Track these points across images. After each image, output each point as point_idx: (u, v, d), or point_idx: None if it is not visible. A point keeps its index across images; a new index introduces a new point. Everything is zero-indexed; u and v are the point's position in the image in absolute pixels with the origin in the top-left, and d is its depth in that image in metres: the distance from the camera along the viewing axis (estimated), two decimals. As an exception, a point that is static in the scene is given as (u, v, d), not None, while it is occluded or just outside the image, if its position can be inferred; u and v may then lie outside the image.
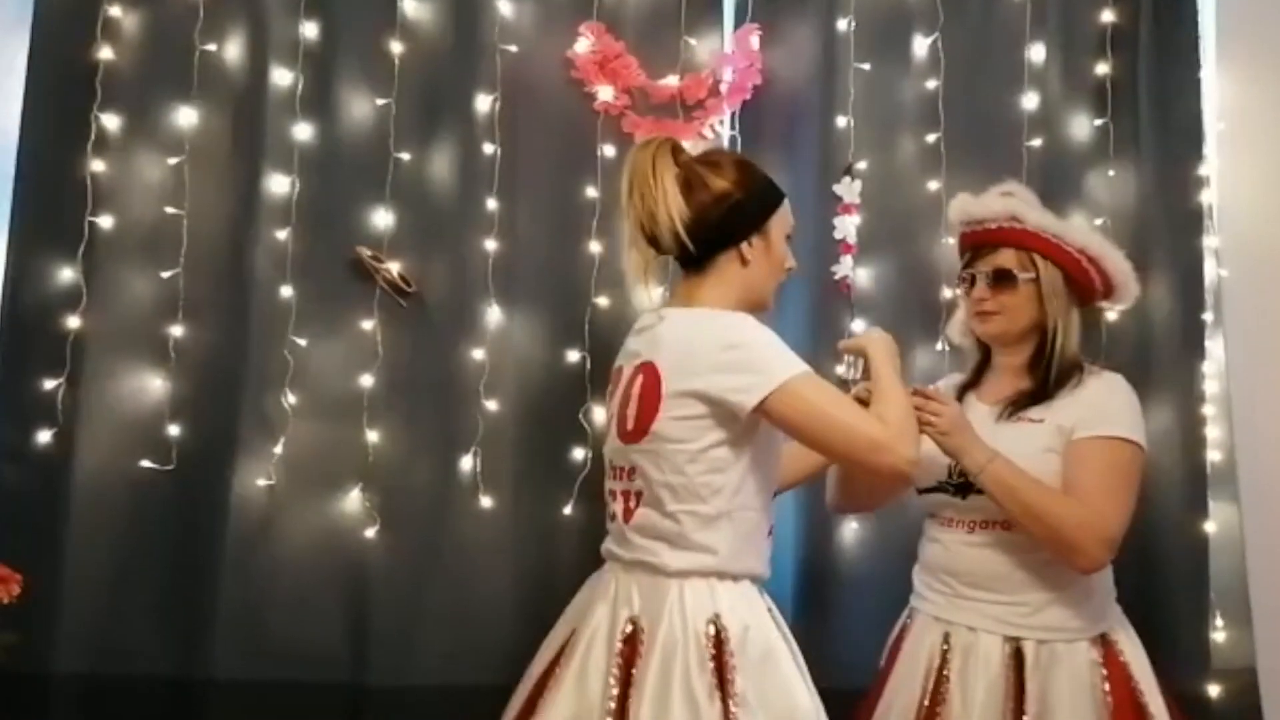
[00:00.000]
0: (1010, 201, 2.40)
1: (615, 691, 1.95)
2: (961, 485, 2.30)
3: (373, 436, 2.89)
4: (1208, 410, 2.98)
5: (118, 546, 2.83)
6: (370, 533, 2.87)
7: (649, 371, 2.06)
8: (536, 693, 2.08)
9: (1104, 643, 2.28)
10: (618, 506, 2.12)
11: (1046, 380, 2.33)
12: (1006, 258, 2.36)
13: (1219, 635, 2.94)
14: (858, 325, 2.99)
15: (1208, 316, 3.03)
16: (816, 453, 2.18)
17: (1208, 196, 3.07)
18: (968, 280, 2.41)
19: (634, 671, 1.96)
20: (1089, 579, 2.26)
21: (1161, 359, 3.00)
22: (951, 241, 3.01)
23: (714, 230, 2.09)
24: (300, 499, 2.87)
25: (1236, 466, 2.99)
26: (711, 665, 1.93)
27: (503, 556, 2.89)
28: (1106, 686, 2.23)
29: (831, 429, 2.01)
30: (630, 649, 1.98)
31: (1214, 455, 2.99)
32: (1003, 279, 2.35)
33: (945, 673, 2.28)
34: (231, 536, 2.81)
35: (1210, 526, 2.96)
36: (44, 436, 2.81)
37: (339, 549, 2.86)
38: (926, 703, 2.27)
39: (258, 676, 2.78)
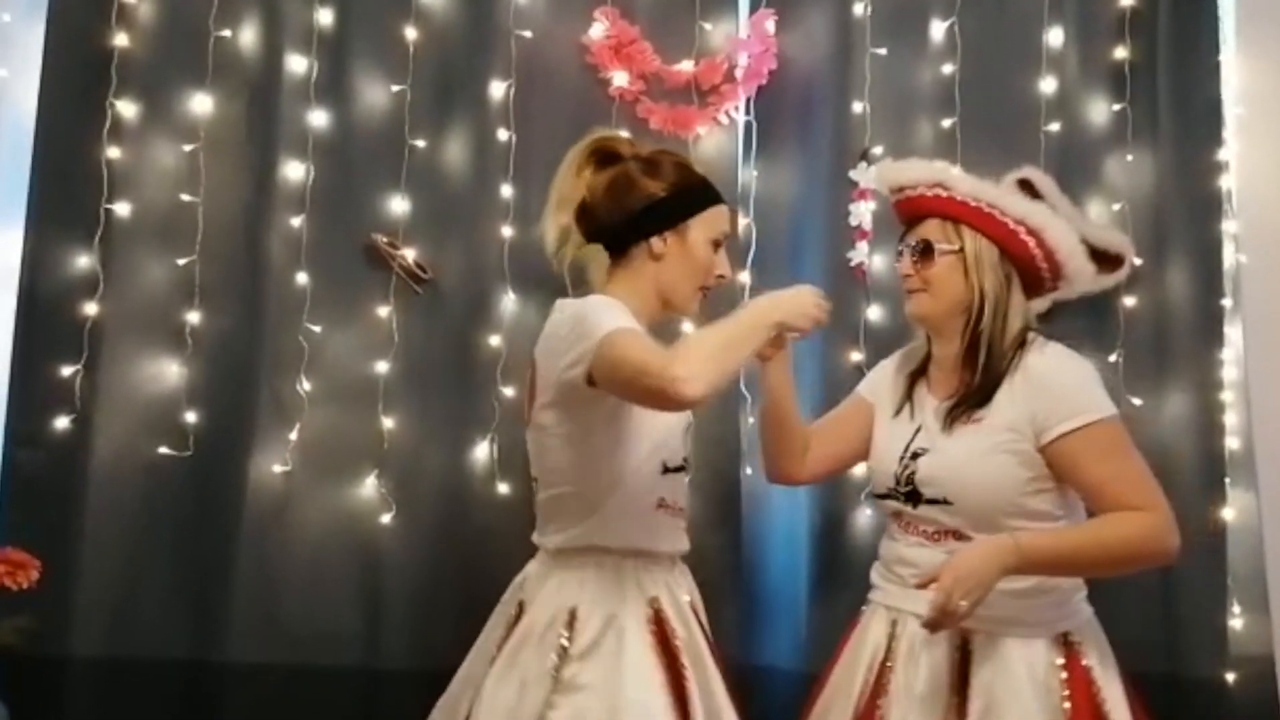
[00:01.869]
0: (936, 168, 2.28)
1: (487, 668, 2.07)
2: (911, 494, 2.18)
3: (388, 423, 2.89)
4: (1226, 397, 2.97)
5: (134, 531, 2.84)
6: (386, 518, 2.88)
7: (532, 363, 2.15)
8: None
9: (1066, 643, 2.12)
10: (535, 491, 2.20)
11: (983, 372, 2.15)
12: (930, 228, 2.21)
13: (1236, 623, 2.92)
14: (873, 312, 2.98)
15: (1226, 302, 3.01)
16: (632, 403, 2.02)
17: (1226, 182, 3.05)
18: (898, 255, 2.28)
19: (500, 647, 2.08)
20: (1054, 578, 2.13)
21: (1179, 345, 2.98)
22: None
23: (627, 222, 2.13)
24: (316, 485, 2.88)
25: (1254, 453, 2.98)
26: (554, 652, 1.99)
27: (519, 542, 2.86)
28: (1066, 691, 2.07)
29: (622, 366, 1.89)
30: (509, 630, 2.10)
31: (1232, 442, 2.97)
32: (924, 251, 2.20)
33: (889, 662, 2.16)
34: (247, 522, 2.82)
35: (1228, 513, 2.94)
36: (62, 422, 2.82)
37: (354, 534, 2.87)
38: (868, 693, 2.17)
39: (273, 660, 2.79)
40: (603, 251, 2.19)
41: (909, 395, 2.29)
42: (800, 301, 2.07)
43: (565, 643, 2.00)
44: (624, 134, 2.26)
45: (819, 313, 2.09)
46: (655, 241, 2.13)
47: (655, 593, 2.09)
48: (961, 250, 2.18)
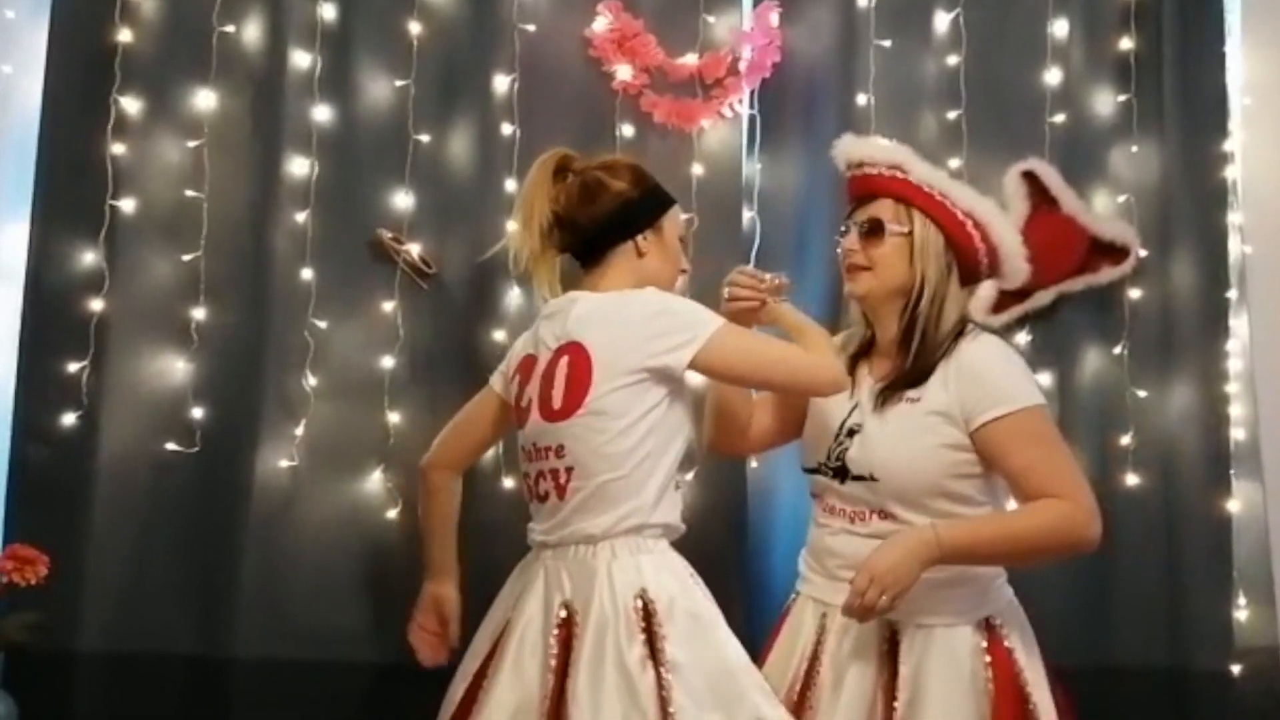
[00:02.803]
0: (898, 149, 2.28)
1: (553, 675, 2.05)
2: (839, 469, 2.21)
3: (394, 418, 2.90)
4: (1231, 388, 2.97)
5: (141, 527, 2.84)
6: (392, 514, 2.88)
7: (575, 351, 2.17)
8: (475, 686, 2.18)
9: (988, 628, 2.15)
10: (547, 485, 2.20)
11: (916, 356, 2.18)
12: (882, 208, 2.22)
13: (1242, 614, 2.93)
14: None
15: (1232, 294, 3.01)
16: (765, 390, 2.37)
17: (1232, 172, 3.05)
18: (844, 231, 2.29)
19: (570, 654, 2.06)
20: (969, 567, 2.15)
21: (1185, 337, 2.98)
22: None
23: (610, 225, 2.26)
24: (322, 480, 2.88)
25: (1260, 445, 2.98)
26: (642, 637, 2.03)
27: (524, 537, 2.89)
28: (989, 674, 2.11)
29: (769, 363, 2.19)
30: (566, 632, 2.09)
31: (1238, 433, 2.98)
32: (873, 230, 2.21)
33: (819, 654, 2.20)
34: (254, 517, 2.82)
35: (1234, 505, 2.94)
36: (68, 419, 2.83)
37: (360, 529, 2.88)
38: (799, 687, 2.19)
39: (280, 655, 2.80)
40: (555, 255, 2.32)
41: (850, 375, 2.28)
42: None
43: (644, 624, 2.04)
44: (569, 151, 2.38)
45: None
46: (640, 240, 2.27)
47: (690, 569, 2.20)
48: (910, 234, 2.20)
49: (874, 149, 2.29)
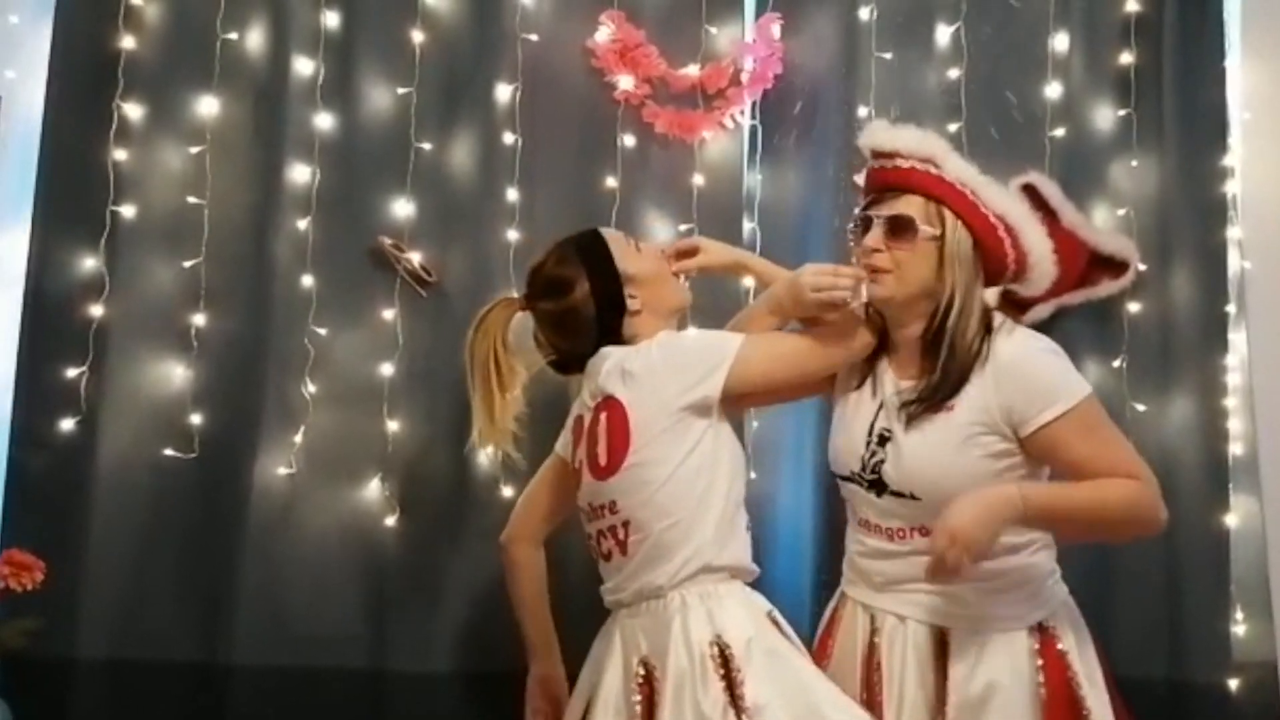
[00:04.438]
0: (933, 140, 2.12)
1: None
2: (875, 482, 2.11)
3: (393, 426, 2.90)
4: (1230, 403, 2.96)
5: (140, 534, 2.84)
6: (390, 521, 2.88)
7: (612, 407, 2.17)
8: None
9: (1041, 630, 2.11)
10: (609, 544, 2.18)
11: (945, 368, 2.06)
12: (911, 204, 2.06)
13: (1239, 628, 2.92)
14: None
15: (1231, 308, 3.01)
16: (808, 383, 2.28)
17: (1231, 187, 3.04)
18: (861, 225, 2.12)
19: (654, 710, 2.04)
20: (1024, 568, 2.12)
21: (1184, 351, 2.98)
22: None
23: (599, 329, 2.25)
24: (321, 487, 2.88)
25: (1258, 459, 2.98)
26: (721, 684, 1.99)
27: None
28: (1041, 678, 2.06)
29: (802, 356, 2.18)
30: (649, 689, 2.06)
31: (1236, 448, 2.97)
32: (902, 229, 2.05)
33: (876, 661, 2.13)
34: (252, 524, 2.82)
35: (1231, 519, 2.94)
36: (67, 424, 2.83)
37: (359, 537, 2.88)
38: (865, 695, 2.13)
39: (278, 662, 2.79)
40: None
41: (871, 368, 2.20)
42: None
43: (722, 671, 2.00)
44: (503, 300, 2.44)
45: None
46: (630, 304, 2.25)
47: (768, 607, 2.16)
48: (942, 237, 2.06)
49: (908, 139, 2.11)
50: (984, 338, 2.07)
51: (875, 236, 2.07)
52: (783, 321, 2.25)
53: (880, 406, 2.16)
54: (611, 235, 2.33)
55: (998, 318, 2.13)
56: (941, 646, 2.09)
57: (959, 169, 2.09)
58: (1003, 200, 2.11)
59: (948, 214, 2.06)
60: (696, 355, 2.14)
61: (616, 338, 2.25)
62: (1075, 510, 2.00)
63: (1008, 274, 2.15)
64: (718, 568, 2.10)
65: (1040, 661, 2.08)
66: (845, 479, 2.20)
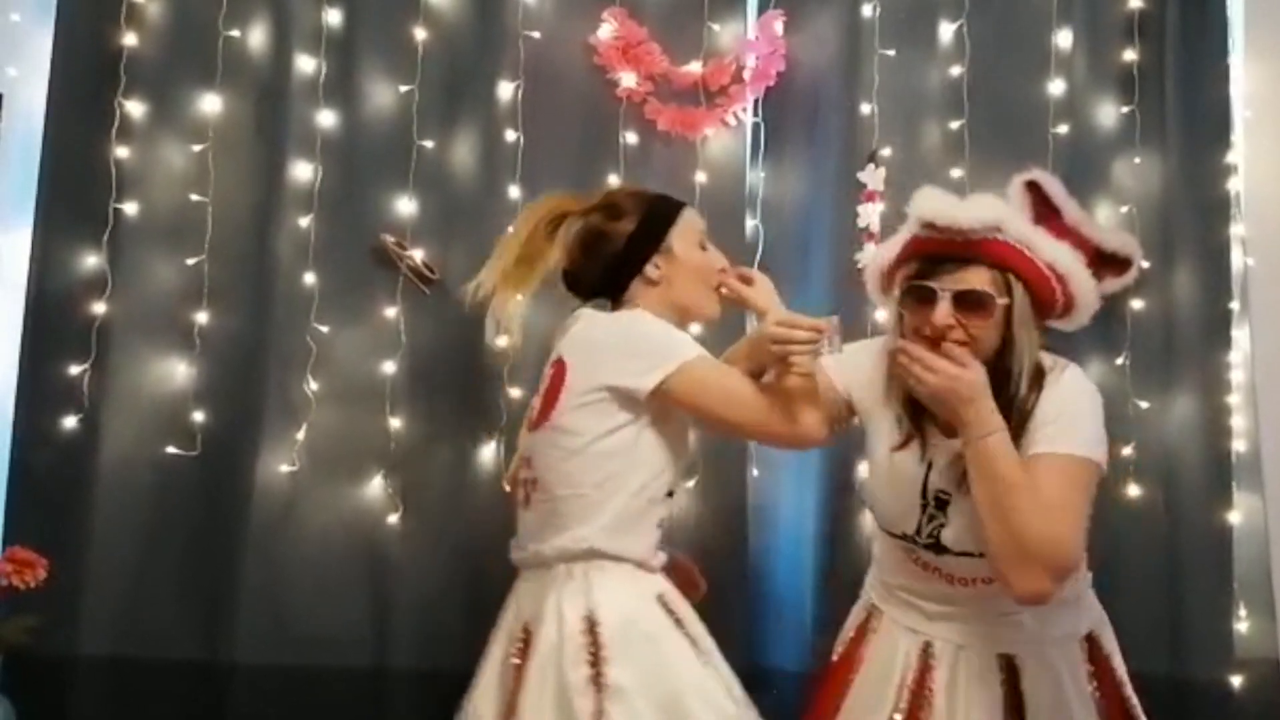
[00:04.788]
0: (997, 206, 2.01)
1: (509, 694, 2.06)
2: (934, 544, 2.04)
3: (395, 423, 2.90)
4: (1233, 400, 2.97)
5: (142, 531, 2.84)
6: (392, 518, 2.88)
7: (558, 366, 2.15)
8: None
9: (1089, 639, 2.14)
10: (522, 495, 2.20)
11: (1010, 429, 1.95)
12: (980, 276, 1.96)
13: (1242, 625, 2.93)
14: (881, 314, 2.97)
15: (1234, 306, 3.02)
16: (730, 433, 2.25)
17: (1234, 184, 3.05)
18: (915, 294, 1.99)
19: (522, 674, 2.05)
20: (1079, 582, 2.09)
21: (1187, 348, 2.99)
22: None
23: (613, 267, 2.19)
24: (323, 485, 2.88)
25: (1261, 457, 2.98)
26: (587, 661, 1.98)
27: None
28: (1093, 684, 2.09)
29: (738, 404, 2.08)
30: (523, 652, 2.08)
31: (1239, 445, 2.97)
32: (975, 304, 1.95)
33: (928, 686, 2.08)
34: (255, 521, 2.82)
35: (1234, 516, 2.94)
36: (70, 422, 2.83)
37: (361, 534, 2.88)
38: (899, 717, 2.08)
39: (280, 660, 2.80)
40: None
41: (915, 426, 2.09)
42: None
43: (590, 650, 1.99)
44: (566, 197, 2.29)
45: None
46: (649, 269, 2.18)
47: (660, 590, 2.11)
48: (1010, 305, 1.97)
49: (980, 213, 1.97)
50: (1038, 390, 2.01)
51: (944, 312, 1.95)
52: (755, 366, 2.16)
53: (930, 468, 2.07)
54: (689, 215, 2.25)
55: (1047, 360, 2.06)
56: (1010, 673, 2.07)
57: (1019, 229, 2.01)
58: (1050, 248, 2.04)
59: (1013, 278, 1.98)
60: (646, 347, 2.08)
61: (619, 291, 2.20)
62: (1004, 482, 1.90)
63: (1054, 315, 2.10)
64: (606, 554, 2.06)
65: (1091, 668, 2.11)
66: (897, 537, 2.12)
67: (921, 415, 2.07)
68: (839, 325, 2.02)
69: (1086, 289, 2.07)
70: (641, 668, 1.99)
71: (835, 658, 2.27)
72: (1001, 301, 1.96)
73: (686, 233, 2.23)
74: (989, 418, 1.92)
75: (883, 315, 2.94)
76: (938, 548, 2.05)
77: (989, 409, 1.92)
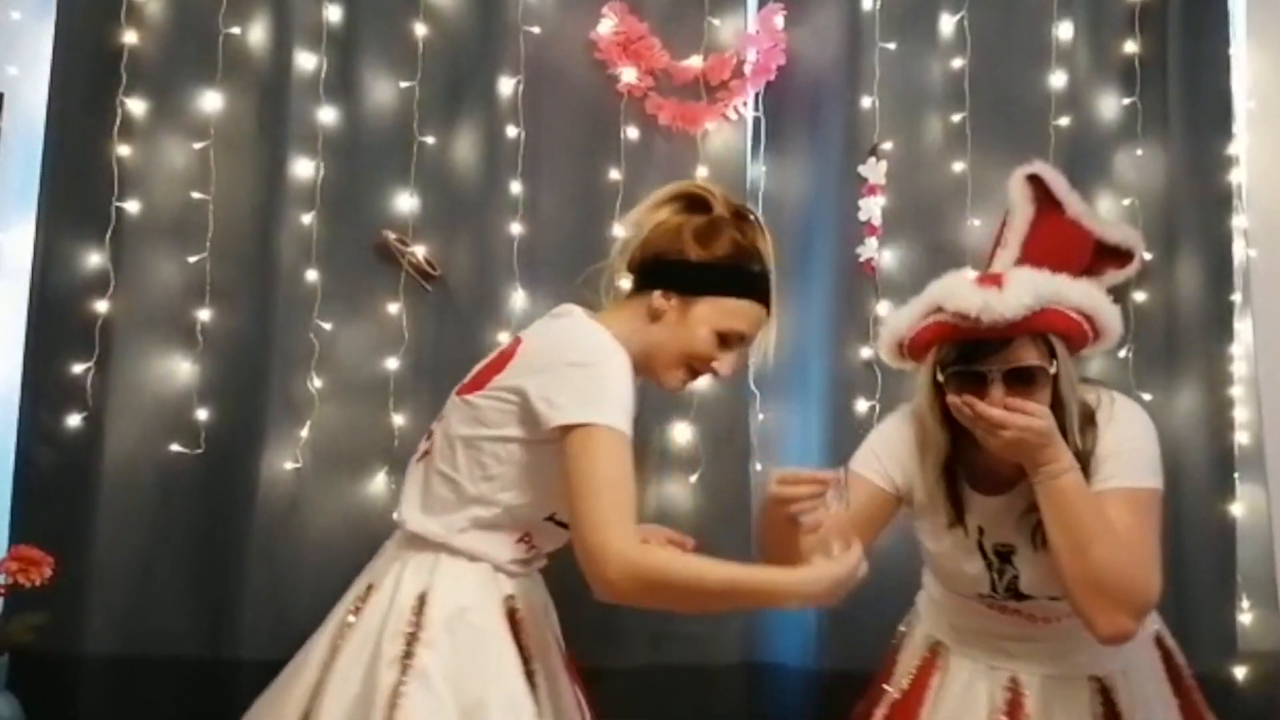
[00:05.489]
0: (1035, 283, 1.96)
1: (334, 650, 1.99)
2: (1014, 594, 2.02)
3: (399, 420, 2.90)
4: (1235, 392, 2.97)
5: (147, 529, 2.84)
6: (396, 515, 2.87)
7: (514, 344, 2.06)
8: None
9: (1157, 641, 2.19)
10: (421, 448, 2.13)
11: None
12: (1026, 350, 1.94)
13: (1245, 617, 2.93)
14: (882, 307, 2.98)
15: (1236, 298, 3.02)
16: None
17: (1237, 176, 3.05)
18: (959, 380, 1.95)
19: (348, 634, 1.99)
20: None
21: (1189, 340, 2.99)
22: (978, 223, 3.02)
23: (651, 264, 2.07)
24: (327, 482, 2.88)
25: (1264, 449, 2.98)
26: (405, 636, 1.92)
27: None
28: (1170, 687, 2.14)
29: (588, 489, 1.84)
30: (358, 612, 2.01)
31: (1242, 437, 2.98)
32: (1027, 380, 1.93)
33: (1024, 715, 2.05)
34: (259, 518, 2.82)
35: (1237, 509, 2.95)
36: (74, 420, 2.83)
37: (365, 531, 2.86)
38: None
39: (284, 657, 2.74)
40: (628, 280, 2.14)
41: (956, 504, 2.07)
42: (846, 583, 1.85)
43: (412, 629, 1.93)
44: (716, 190, 2.14)
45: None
46: (658, 296, 2.04)
47: (511, 592, 2.03)
48: (1057, 369, 1.95)
49: (1016, 299, 1.92)
50: (1093, 428, 2.00)
51: (998, 394, 1.92)
52: (774, 533, 2.01)
53: (981, 531, 2.06)
54: (747, 308, 2.03)
55: (1090, 395, 2.03)
56: (1105, 694, 2.06)
57: (1050, 289, 1.97)
58: (1077, 292, 2.01)
59: (1054, 340, 1.97)
60: (584, 388, 1.90)
61: (639, 287, 2.07)
62: (1080, 521, 1.89)
63: (1085, 350, 2.09)
64: (460, 551, 2.00)
65: (1162, 666, 2.17)
66: (974, 598, 2.10)
67: (956, 482, 2.05)
68: (845, 477, 1.93)
69: (1111, 316, 2.05)
70: (456, 659, 1.91)
71: (895, 690, 2.21)
72: (1051, 370, 1.94)
73: (721, 312, 2.02)
74: (1063, 457, 1.90)
75: (884, 311, 2.97)
76: (1018, 596, 2.04)
77: (1061, 450, 1.90)
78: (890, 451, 2.13)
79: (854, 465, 2.13)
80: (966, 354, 1.95)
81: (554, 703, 2.02)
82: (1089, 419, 2.00)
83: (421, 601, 1.96)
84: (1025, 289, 1.93)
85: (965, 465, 2.06)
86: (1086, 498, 1.90)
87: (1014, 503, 2.01)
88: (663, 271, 2.05)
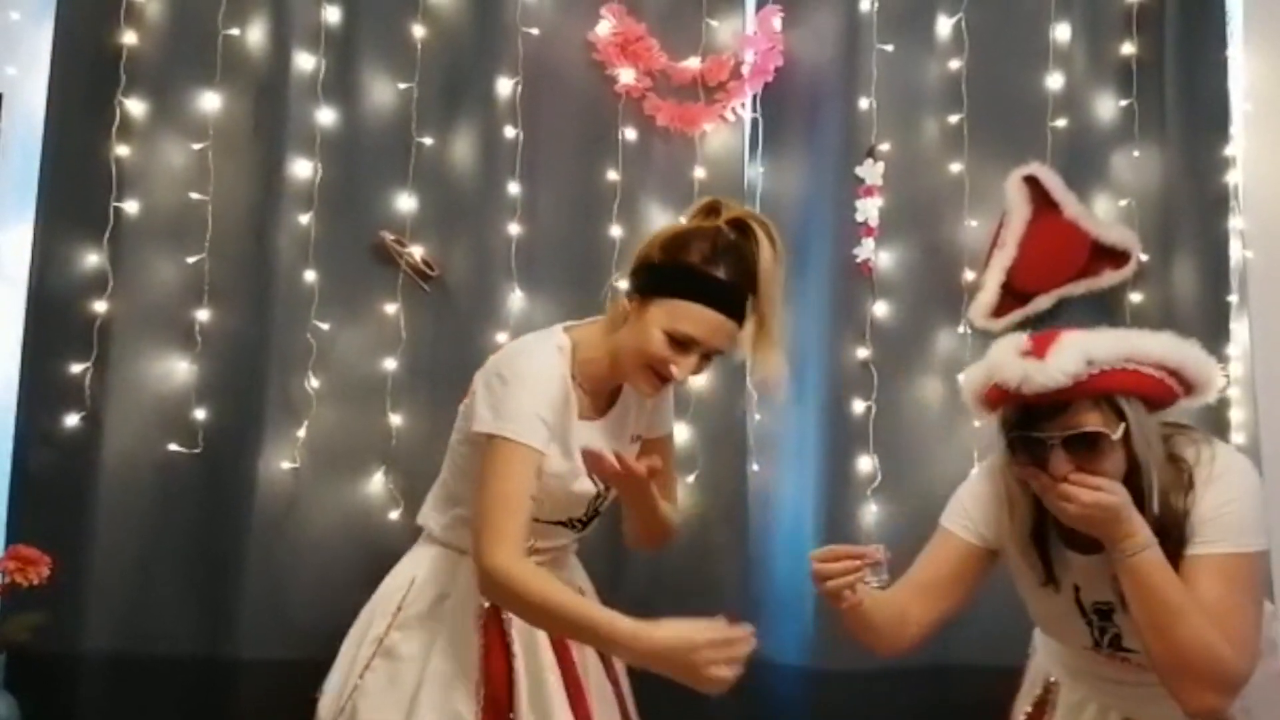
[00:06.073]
0: (1082, 348, 1.80)
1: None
2: (1116, 645, 1.93)
3: (396, 420, 2.90)
4: (1232, 393, 2.97)
5: (144, 529, 2.85)
6: (394, 515, 2.88)
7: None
8: None
9: None
10: None
11: (1164, 537, 1.81)
12: (1089, 418, 1.80)
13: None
14: (879, 308, 2.98)
15: (1233, 299, 3.02)
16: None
17: (1233, 177, 3.06)
18: (1024, 446, 1.85)
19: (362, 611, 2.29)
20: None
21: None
22: (975, 224, 3.02)
23: (631, 270, 2.13)
24: (324, 482, 2.89)
25: (1260, 449, 2.98)
26: (389, 617, 2.18)
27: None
28: None
29: (481, 496, 1.99)
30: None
31: (1238, 438, 2.98)
32: (1088, 444, 1.80)
33: None
34: (257, 518, 2.83)
35: (1234, 510, 2.94)
36: (72, 420, 2.83)
37: (363, 531, 2.88)
38: None
39: (282, 655, 2.80)
40: None
41: (1047, 564, 1.98)
42: (679, 661, 1.81)
43: (396, 610, 2.17)
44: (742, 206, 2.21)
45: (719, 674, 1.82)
46: (623, 300, 2.12)
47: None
48: (1128, 430, 1.81)
49: (1059, 368, 1.79)
50: (1188, 492, 1.86)
51: (1061, 463, 1.80)
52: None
53: (1076, 590, 1.98)
54: (695, 310, 2.02)
55: (1189, 451, 1.89)
56: None
57: (1113, 349, 1.82)
58: (1154, 347, 1.86)
59: (1121, 401, 1.81)
60: (502, 399, 2.03)
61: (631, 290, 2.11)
62: (1163, 603, 1.79)
63: (1180, 403, 1.93)
64: (449, 545, 2.23)
65: None
66: (1079, 650, 2.04)
67: (1045, 540, 1.97)
68: (886, 555, 1.88)
69: (1202, 367, 1.89)
70: (422, 641, 2.13)
71: None
72: (1115, 435, 1.81)
73: (669, 314, 2.03)
74: (1136, 535, 1.80)
75: (881, 312, 2.98)
76: (1123, 650, 1.96)
77: (1135, 526, 1.80)
78: (980, 506, 2.05)
79: (944, 520, 2.06)
80: (1024, 420, 1.84)
81: (535, 690, 2.12)
82: (1186, 480, 1.87)
83: (410, 581, 2.20)
84: (1070, 356, 1.79)
85: (1055, 523, 1.94)
86: (1163, 575, 1.79)
87: (1108, 561, 1.88)
88: (634, 275, 2.12)
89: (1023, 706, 2.20)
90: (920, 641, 2.04)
